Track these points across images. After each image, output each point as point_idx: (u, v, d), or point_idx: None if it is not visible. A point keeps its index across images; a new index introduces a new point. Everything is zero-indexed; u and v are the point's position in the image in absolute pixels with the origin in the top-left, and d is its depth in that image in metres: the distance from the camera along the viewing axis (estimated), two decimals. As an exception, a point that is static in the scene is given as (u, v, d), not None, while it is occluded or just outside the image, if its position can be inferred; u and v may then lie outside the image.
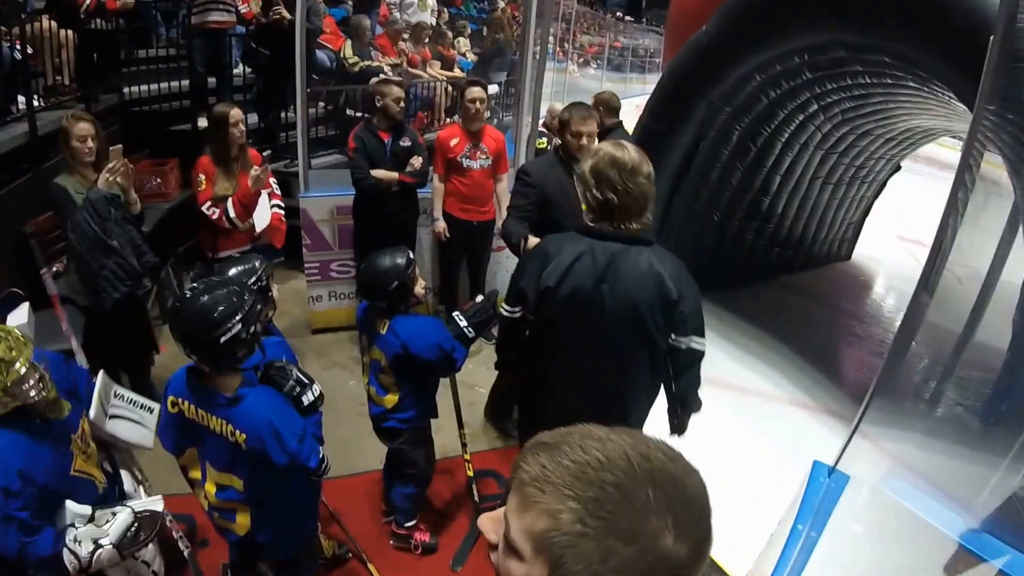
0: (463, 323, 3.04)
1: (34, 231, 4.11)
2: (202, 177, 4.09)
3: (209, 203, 4.09)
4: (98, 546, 2.22)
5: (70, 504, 2.25)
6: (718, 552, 3.55)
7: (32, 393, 2.12)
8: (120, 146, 3.66)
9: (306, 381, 2.41)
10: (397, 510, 3.49)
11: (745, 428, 4.72)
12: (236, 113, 4.13)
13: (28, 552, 2.13)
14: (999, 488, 2.21)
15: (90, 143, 3.62)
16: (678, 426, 2.77)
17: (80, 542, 2.21)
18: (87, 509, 2.28)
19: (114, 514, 2.32)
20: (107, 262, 3.55)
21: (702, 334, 2.56)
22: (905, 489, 2.36)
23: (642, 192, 2.45)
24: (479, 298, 3.18)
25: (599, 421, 2.33)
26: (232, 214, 4.13)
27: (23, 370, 2.07)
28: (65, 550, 2.20)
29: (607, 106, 5.66)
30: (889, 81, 4.94)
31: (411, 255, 3.06)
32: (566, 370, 2.73)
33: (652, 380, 2.70)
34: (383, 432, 3.30)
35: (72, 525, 2.23)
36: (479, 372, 4.52)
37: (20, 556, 2.13)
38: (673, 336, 2.53)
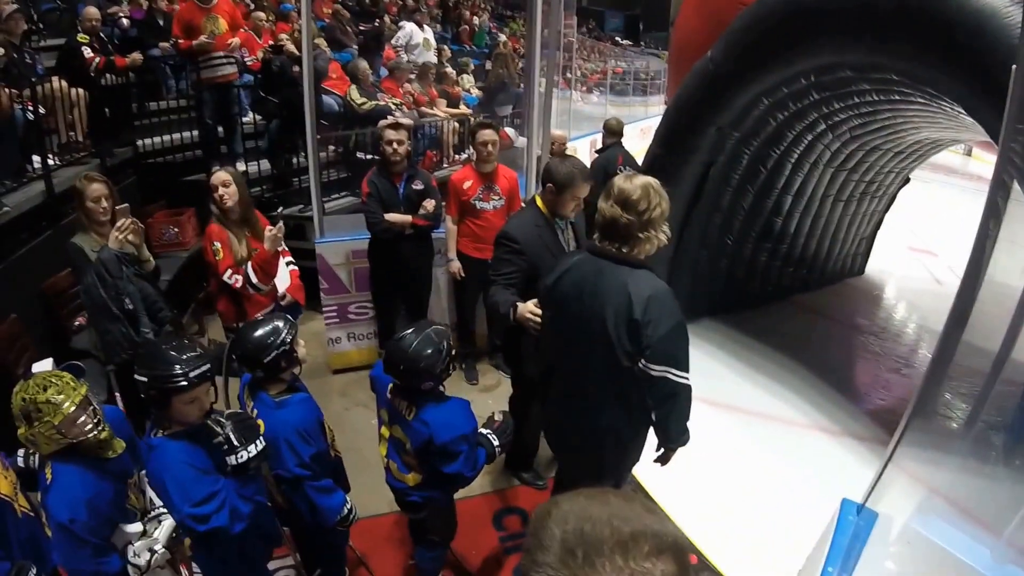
0: (496, 443, 3.02)
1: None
2: (217, 245, 3.92)
3: (230, 271, 3.94)
4: (153, 552, 2.53)
5: (124, 526, 2.52)
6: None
7: (86, 429, 2.35)
8: (127, 205, 3.67)
9: (236, 444, 2.39)
10: (423, 571, 3.43)
11: (769, 456, 4.69)
12: (216, 177, 3.96)
13: (101, 572, 2.40)
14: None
15: (104, 203, 3.64)
16: (661, 457, 2.93)
17: (138, 555, 2.51)
18: (139, 527, 2.57)
19: (159, 521, 2.60)
20: (112, 328, 3.56)
21: (679, 367, 2.61)
22: (936, 524, 2.34)
23: (633, 222, 2.59)
24: (498, 416, 3.12)
25: (573, 416, 2.75)
26: (254, 280, 3.98)
27: (72, 409, 2.30)
28: (129, 566, 2.49)
29: (608, 129, 6.85)
30: (896, 97, 4.93)
31: (449, 334, 2.94)
32: (555, 365, 3.00)
33: (620, 396, 2.76)
34: (406, 505, 3.17)
35: (130, 543, 2.51)
36: (498, 406, 4.49)
37: (94, 575, 2.40)
38: (642, 362, 2.59)
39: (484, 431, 3.01)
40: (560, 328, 2.90)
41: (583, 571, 0.91)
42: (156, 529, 2.59)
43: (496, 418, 3.09)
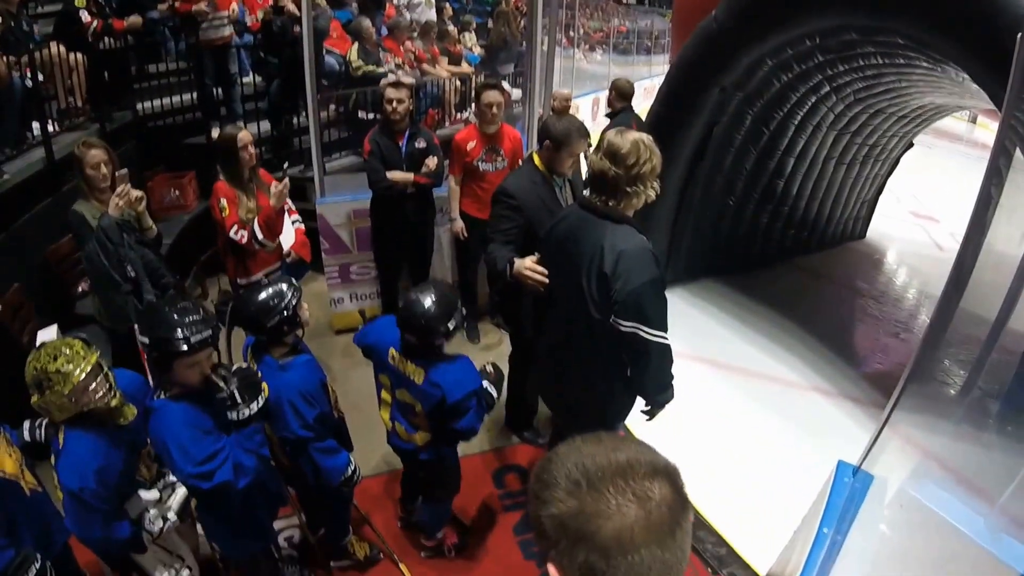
0: (494, 393, 3.06)
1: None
2: (223, 202, 3.98)
3: (236, 227, 4.01)
4: (166, 520, 2.61)
5: (142, 492, 2.58)
6: (739, 541, 3.62)
7: (97, 397, 2.37)
8: (126, 171, 3.66)
9: (239, 401, 2.43)
10: (427, 527, 3.51)
11: (767, 416, 4.75)
12: (244, 136, 4.04)
13: (111, 538, 2.46)
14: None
15: (104, 169, 3.62)
16: (646, 411, 3.02)
17: (153, 522, 2.58)
18: (156, 494, 2.62)
19: (174, 488, 2.66)
20: (115, 296, 3.58)
21: (650, 324, 2.61)
22: (930, 489, 2.36)
23: (621, 176, 2.61)
24: (490, 368, 3.15)
25: (557, 366, 2.94)
26: (260, 236, 4.08)
27: (82, 378, 2.30)
28: (144, 532, 2.56)
29: (619, 91, 6.24)
30: (901, 61, 4.90)
31: (456, 292, 3.03)
32: (549, 309, 3.11)
33: (596, 349, 2.82)
34: (415, 464, 3.25)
35: (146, 510, 2.58)
36: (502, 365, 4.56)
37: (104, 541, 2.45)
38: (612, 316, 2.64)
39: (484, 383, 3.06)
40: (554, 272, 2.97)
41: (590, 497, 1.01)
42: (170, 497, 2.64)
43: (489, 370, 3.13)
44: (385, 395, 3.12)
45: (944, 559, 2.32)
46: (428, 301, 2.82)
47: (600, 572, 0.99)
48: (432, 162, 4.82)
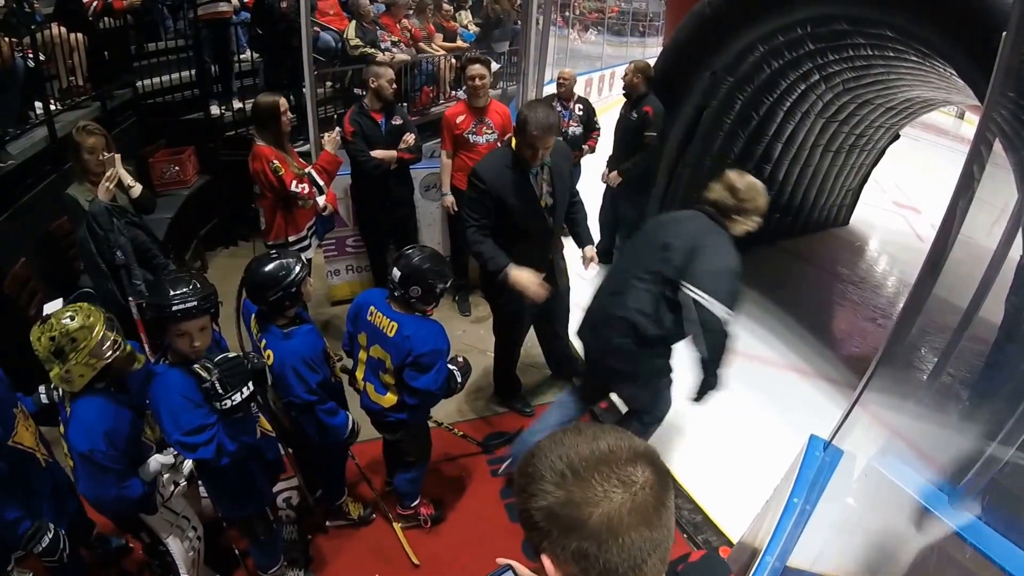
0: (459, 379, 3.21)
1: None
2: (276, 163, 4.11)
3: (295, 181, 4.17)
4: (176, 484, 2.75)
5: (159, 456, 2.69)
6: (714, 509, 3.81)
7: (112, 352, 2.46)
8: (113, 155, 3.71)
9: (220, 392, 2.48)
10: (402, 495, 3.61)
11: (745, 392, 4.82)
12: (283, 102, 4.22)
13: (123, 496, 2.55)
14: (988, 464, 2.31)
15: (101, 155, 3.70)
16: (697, 392, 3.42)
17: (165, 486, 2.71)
18: (171, 458, 2.72)
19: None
20: (103, 284, 3.65)
21: (720, 299, 3.04)
22: (897, 466, 2.47)
23: (731, 206, 3.25)
24: (461, 359, 3.28)
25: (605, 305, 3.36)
26: (320, 181, 4.33)
27: (103, 331, 2.43)
28: (156, 493, 2.67)
29: (644, 73, 5.85)
30: (890, 53, 4.98)
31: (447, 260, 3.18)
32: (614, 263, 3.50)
33: (642, 300, 3.25)
34: (383, 427, 3.36)
35: (160, 473, 2.68)
36: (489, 337, 4.68)
37: (117, 500, 2.55)
38: (683, 283, 3.10)
39: (451, 367, 3.19)
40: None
41: (577, 486, 1.05)
42: (181, 462, 2.75)
43: (460, 360, 3.28)
44: (361, 355, 3.25)
45: (907, 531, 2.43)
46: (425, 252, 3.08)
47: (593, 557, 1.03)
48: (411, 138, 4.92)
